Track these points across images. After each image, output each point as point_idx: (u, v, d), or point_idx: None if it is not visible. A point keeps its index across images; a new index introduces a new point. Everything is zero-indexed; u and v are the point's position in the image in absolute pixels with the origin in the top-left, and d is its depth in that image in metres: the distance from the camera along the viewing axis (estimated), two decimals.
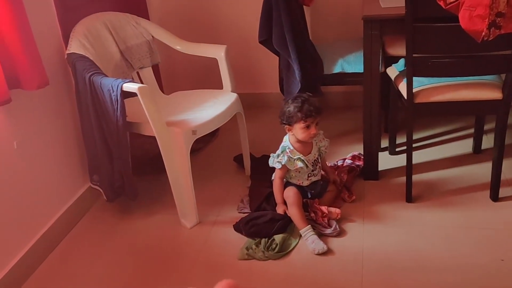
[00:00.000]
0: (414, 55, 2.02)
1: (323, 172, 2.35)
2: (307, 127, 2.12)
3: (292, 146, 2.20)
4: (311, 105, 2.12)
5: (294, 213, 2.13)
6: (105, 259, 2.10)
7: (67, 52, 2.18)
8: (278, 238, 2.07)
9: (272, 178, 2.29)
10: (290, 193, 2.18)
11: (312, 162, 2.23)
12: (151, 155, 2.76)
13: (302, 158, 2.18)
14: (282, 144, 2.23)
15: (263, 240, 2.07)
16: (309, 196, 2.24)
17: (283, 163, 2.17)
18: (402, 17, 1.98)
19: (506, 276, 1.80)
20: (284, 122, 2.18)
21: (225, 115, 2.29)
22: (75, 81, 2.18)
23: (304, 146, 2.21)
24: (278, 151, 2.21)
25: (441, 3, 1.87)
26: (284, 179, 2.26)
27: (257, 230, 2.11)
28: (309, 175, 2.23)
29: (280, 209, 2.19)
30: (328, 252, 2.00)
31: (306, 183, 2.24)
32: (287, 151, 2.18)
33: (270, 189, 2.28)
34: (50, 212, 2.20)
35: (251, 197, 2.37)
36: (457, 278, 1.81)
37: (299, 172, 2.21)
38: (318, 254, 1.99)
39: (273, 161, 2.22)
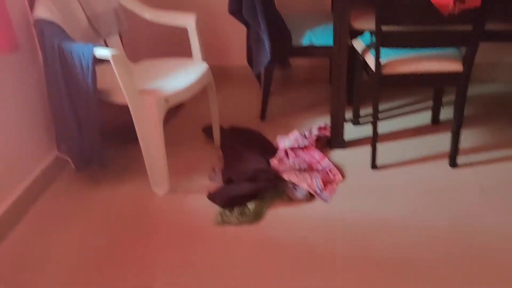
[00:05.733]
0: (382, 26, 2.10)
1: None
2: None
3: None
4: None
5: None
6: (77, 229, 2.08)
7: (34, 17, 2.10)
8: (250, 204, 2.12)
9: None
10: None
11: None
12: (117, 126, 2.72)
13: None
14: None
15: (236, 207, 2.11)
16: None
17: None
18: None
19: (466, 233, 1.94)
20: None
21: (197, 85, 2.28)
22: (42, 47, 2.10)
23: None
24: None
25: None
26: None
27: (232, 200, 2.13)
28: None
29: None
30: (300, 216, 2.07)
31: None
32: None
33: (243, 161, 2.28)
34: (15, 182, 2.15)
35: (224, 168, 2.38)
36: (421, 238, 1.93)
37: None
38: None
39: None
